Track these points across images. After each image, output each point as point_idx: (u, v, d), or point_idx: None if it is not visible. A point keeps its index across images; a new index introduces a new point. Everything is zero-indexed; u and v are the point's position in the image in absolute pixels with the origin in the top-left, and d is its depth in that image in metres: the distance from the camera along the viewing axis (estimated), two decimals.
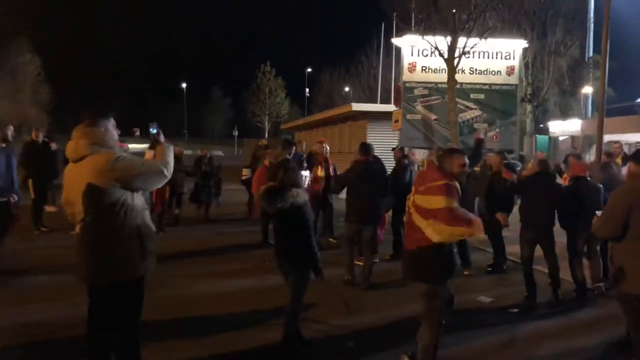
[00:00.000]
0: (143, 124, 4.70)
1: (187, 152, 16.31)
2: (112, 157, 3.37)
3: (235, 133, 65.75)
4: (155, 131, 3.82)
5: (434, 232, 3.81)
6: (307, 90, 62.03)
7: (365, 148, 7.07)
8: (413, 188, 4.14)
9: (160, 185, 3.76)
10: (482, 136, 5.69)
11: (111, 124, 3.57)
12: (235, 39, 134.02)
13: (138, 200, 3.53)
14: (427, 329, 3.99)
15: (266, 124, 64.41)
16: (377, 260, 7.48)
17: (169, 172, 3.60)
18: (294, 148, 8.99)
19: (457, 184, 3.95)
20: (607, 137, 23.50)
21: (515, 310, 5.93)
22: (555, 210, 6.27)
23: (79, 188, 3.34)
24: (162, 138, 3.80)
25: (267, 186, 4.57)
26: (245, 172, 11.64)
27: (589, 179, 6.50)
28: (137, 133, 4.52)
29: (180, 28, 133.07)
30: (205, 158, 12.09)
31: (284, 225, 4.54)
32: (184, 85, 78.51)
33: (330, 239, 9.40)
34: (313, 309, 5.52)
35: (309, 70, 63.69)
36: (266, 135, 60.98)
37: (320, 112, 39.53)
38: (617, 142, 12.26)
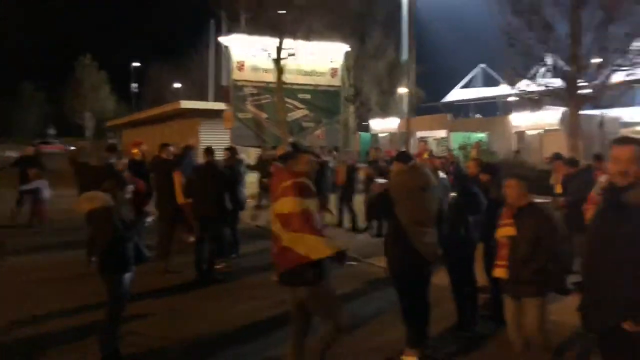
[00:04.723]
0: None
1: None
2: None
3: (52, 131, 59.51)
4: None
5: (305, 248, 3.62)
6: (135, 85, 58.62)
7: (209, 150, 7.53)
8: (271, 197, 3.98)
9: None
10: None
11: None
12: (49, 29, 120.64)
13: None
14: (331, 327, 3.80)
15: (89, 122, 59.37)
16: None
17: None
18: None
19: (308, 181, 3.83)
20: (419, 134, 26.38)
21: None
22: None
23: None
24: None
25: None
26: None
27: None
28: None
29: None
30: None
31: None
32: None
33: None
34: (135, 321, 5.24)
35: (137, 64, 60.17)
36: (85, 134, 56.20)
37: (149, 109, 37.69)
38: (423, 140, 13.73)
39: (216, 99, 33.06)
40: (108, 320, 4.25)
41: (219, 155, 8.33)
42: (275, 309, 5.65)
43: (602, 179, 2.87)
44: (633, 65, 13.33)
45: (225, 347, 4.90)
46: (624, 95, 15.44)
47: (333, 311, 3.79)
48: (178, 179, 7.44)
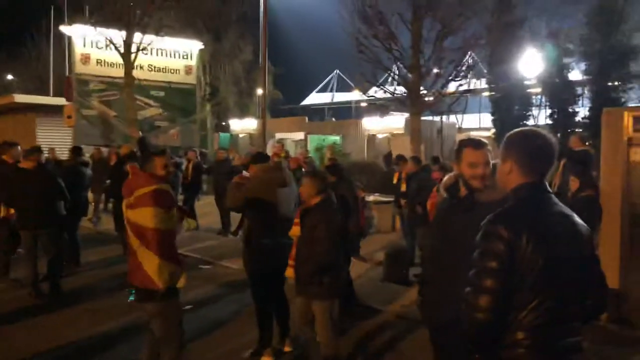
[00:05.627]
0: None
1: None
2: None
3: None
4: None
5: (152, 271, 3.35)
6: None
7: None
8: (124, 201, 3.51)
9: None
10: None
11: None
12: None
13: None
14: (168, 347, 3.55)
15: None
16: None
17: None
18: None
19: (169, 188, 3.56)
20: (278, 135, 26.65)
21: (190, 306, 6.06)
22: None
23: None
24: None
25: None
26: None
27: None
28: None
29: None
30: None
31: None
32: None
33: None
34: None
35: None
36: None
37: None
38: (280, 142, 13.90)
39: (58, 94, 30.24)
40: None
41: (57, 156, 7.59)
42: (121, 320, 5.27)
43: (446, 178, 2.93)
44: (465, 76, 14.82)
45: None
46: (458, 103, 17.07)
47: (174, 334, 3.55)
48: None
